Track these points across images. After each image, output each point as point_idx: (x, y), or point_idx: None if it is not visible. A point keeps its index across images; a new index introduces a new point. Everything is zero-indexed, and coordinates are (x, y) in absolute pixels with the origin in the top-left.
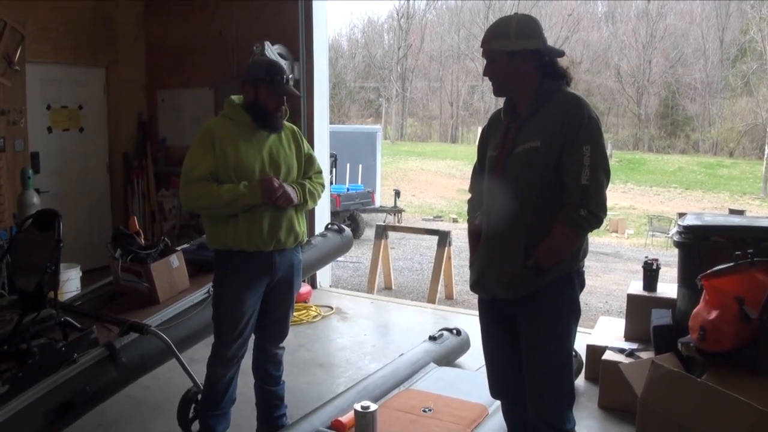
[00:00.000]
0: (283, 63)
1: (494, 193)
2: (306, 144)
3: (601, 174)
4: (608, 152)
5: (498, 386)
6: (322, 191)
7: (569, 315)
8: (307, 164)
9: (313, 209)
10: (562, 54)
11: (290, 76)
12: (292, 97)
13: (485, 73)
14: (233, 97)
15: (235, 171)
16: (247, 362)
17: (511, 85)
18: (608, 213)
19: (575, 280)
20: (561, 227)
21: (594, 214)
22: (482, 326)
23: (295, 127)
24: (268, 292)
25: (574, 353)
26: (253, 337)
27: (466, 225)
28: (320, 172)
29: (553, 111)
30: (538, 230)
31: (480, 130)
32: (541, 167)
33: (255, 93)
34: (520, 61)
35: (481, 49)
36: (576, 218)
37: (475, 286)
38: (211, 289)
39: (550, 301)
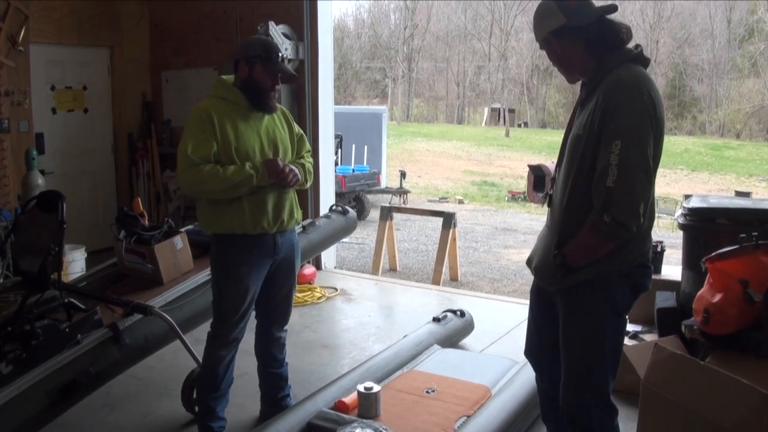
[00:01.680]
0: (288, 43)
1: (558, 173)
2: (296, 125)
3: (632, 176)
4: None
5: (527, 353)
6: None
7: (605, 316)
8: (299, 144)
9: (318, 190)
10: (610, 10)
11: (286, 54)
12: (288, 75)
13: (553, 63)
14: (224, 77)
15: (236, 152)
16: (249, 343)
17: (567, 70)
18: None
19: (615, 281)
20: (586, 229)
21: (618, 222)
22: (530, 297)
23: (284, 108)
24: (270, 274)
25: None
26: (255, 321)
27: (471, 206)
28: (310, 150)
29: (599, 96)
30: (572, 225)
31: (486, 111)
32: (579, 159)
33: (250, 71)
34: (556, 44)
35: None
36: (598, 224)
37: (528, 260)
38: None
39: (582, 300)
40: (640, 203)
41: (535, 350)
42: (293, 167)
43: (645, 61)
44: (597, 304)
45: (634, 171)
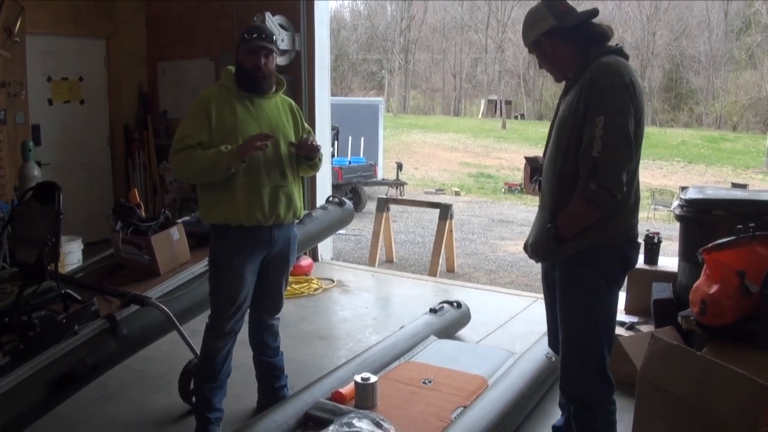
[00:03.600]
0: (284, 34)
1: (545, 159)
2: (304, 120)
3: (615, 146)
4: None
5: (550, 342)
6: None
7: (597, 287)
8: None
9: (315, 182)
10: (594, 14)
11: (279, 40)
12: (267, 52)
13: (541, 65)
14: (230, 66)
15: (234, 138)
16: (245, 334)
17: (556, 68)
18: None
19: (606, 254)
20: (575, 199)
21: (604, 188)
22: (543, 291)
23: (293, 102)
24: (264, 265)
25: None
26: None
27: (467, 198)
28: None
29: (582, 81)
30: (563, 199)
31: (483, 102)
32: (566, 139)
33: (236, 55)
34: (546, 45)
35: (527, 50)
36: (586, 192)
37: (524, 245)
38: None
39: (575, 272)
40: (623, 171)
41: (556, 337)
42: (269, 135)
43: (625, 56)
44: (590, 276)
45: (617, 142)
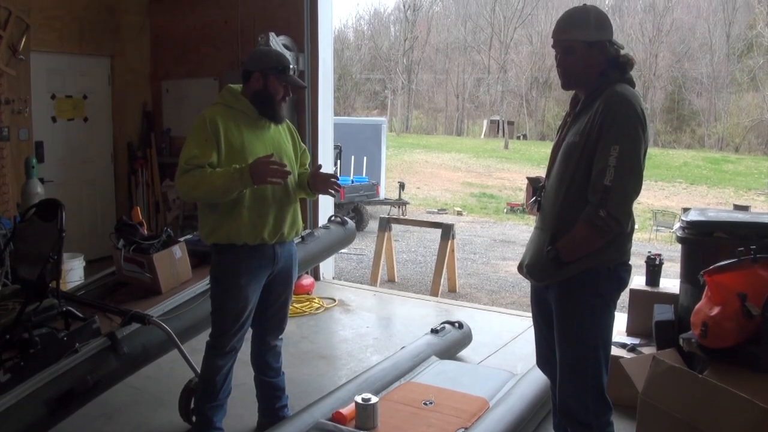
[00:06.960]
0: (288, 54)
1: (548, 180)
2: (300, 140)
3: (627, 177)
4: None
5: (539, 361)
6: None
7: (594, 309)
8: (303, 157)
9: (317, 201)
10: (621, 47)
11: (293, 67)
12: (299, 87)
13: (558, 65)
14: (231, 85)
15: (243, 160)
16: (248, 353)
17: (581, 77)
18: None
19: (603, 276)
20: (580, 224)
21: (613, 216)
22: (532, 309)
23: (289, 122)
24: (268, 283)
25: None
26: (251, 330)
27: (470, 218)
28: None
29: (596, 107)
30: (566, 223)
31: (485, 123)
32: (575, 163)
33: (264, 83)
34: (597, 51)
35: (553, 40)
36: (594, 218)
37: (519, 266)
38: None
39: (573, 293)
40: (632, 202)
41: (547, 357)
42: (281, 164)
43: (633, 84)
44: (588, 297)
45: (630, 173)
